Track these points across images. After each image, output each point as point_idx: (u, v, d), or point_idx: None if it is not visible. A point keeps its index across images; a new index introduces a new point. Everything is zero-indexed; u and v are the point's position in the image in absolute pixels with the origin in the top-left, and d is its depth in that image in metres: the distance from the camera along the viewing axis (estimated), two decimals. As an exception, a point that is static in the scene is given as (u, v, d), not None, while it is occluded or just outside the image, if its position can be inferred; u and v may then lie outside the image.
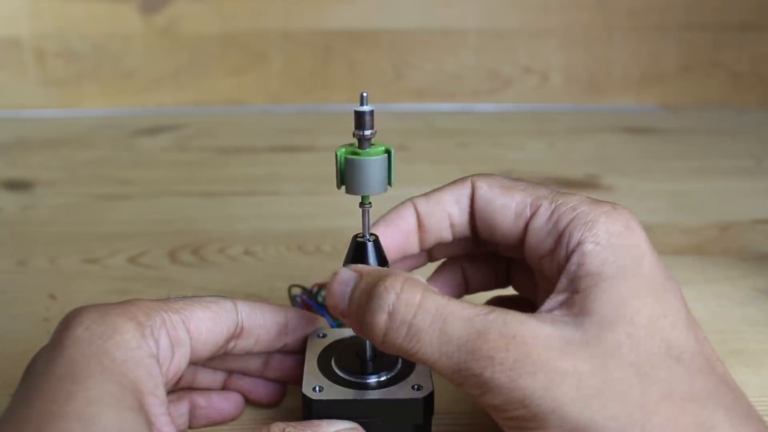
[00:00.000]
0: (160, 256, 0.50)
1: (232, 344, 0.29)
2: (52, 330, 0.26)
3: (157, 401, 0.23)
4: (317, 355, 0.30)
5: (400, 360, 0.29)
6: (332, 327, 0.34)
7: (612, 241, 0.25)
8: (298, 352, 0.31)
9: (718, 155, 0.76)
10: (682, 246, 0.52)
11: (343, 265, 0.28)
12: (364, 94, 0.26)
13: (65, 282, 0.46)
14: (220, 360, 0.30)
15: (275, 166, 0.71)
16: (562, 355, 0.22)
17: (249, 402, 0.32)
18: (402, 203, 0.30)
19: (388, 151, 0.27)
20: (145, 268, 0.48)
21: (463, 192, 0.29)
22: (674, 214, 0.58)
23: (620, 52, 0.95)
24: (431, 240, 0.30)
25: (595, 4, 0.93)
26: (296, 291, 0.38)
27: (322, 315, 0.35)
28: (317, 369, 0.29)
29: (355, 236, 0.28)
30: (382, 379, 0.29)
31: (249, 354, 0.30)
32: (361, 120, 0.26)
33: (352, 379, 0.29)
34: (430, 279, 0.33)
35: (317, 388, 0.28)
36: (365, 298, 0.24)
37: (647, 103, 0.97)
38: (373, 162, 0.26)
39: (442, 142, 0.80)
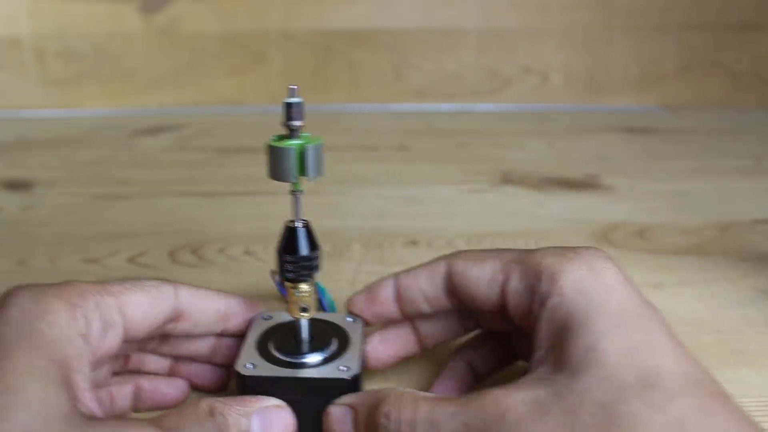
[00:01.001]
0: (160, 256, 0.50)
1: (171, 326, 0.30)
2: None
3: (83, 378, 0.25)
4: (257, 336, 0.32)
5: (333, 342, 0.31)
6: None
7: (576, 289, 0.26)
8: (244, 336, 0.32)
9: (718, 155, 0.76)
10: (682, 246, 0.52)
11: (277, 252, 0.30)
12: (293, 88, 0.28)
13: (65, 282, 0.46)
14: (168, 346, 0.32)
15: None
16: (536, 418, 0.23)
17: (196, 388, 0.33)
18: (386, 276, 0.32)
19: (306, 144, 0.28)
20: (145, 268, 0.48)
21: (438, 270, 0.31)
22: (674, 214, 0.58)
23: (620, 52, 0.95)
24: (409, 310, 0.32)
25: (595, 4, 0.93)
26: (276, 277, 0.40)
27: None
28: (254, 348, 0.31)
29: (287, 223, 0.30)
30: (315, 359, 0.30)
31: (190, 337, 0.32)
32: (289, 111, 0.27)
33: (285, 358, 0.30)
34: (436, 381, 0.34)
35: (249, 365, 0.29)
36: (371, 430, 0.26)
37: (647, 103, 0.97)
38: (280, 150, 0.28)
39: (442, 142, 0.80)
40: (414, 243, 0.52)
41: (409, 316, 0.32)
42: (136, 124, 0.86)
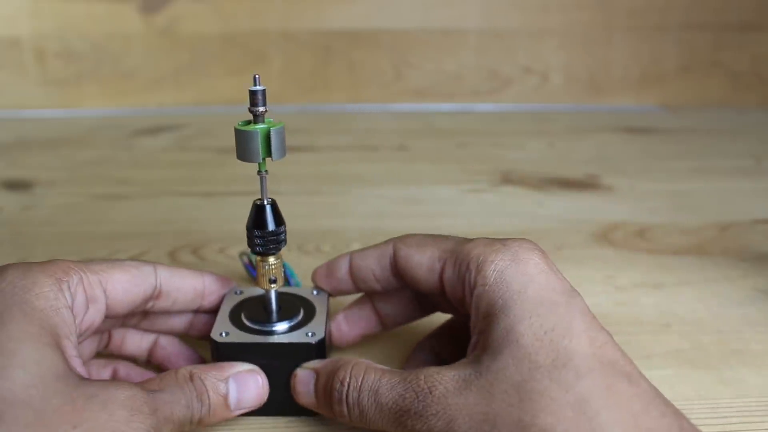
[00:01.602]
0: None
1: (150, 304, 0.32)
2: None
3: (70, 345, 0.26)
4: (230, 308, 0.34)
5: (300, 312, 0.33)
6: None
7: (498, 278, 0.28)
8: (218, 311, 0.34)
9: (718, 155, 0.76)
10: (682, 246, 0.52)
11: (246, 227, 0.32)
12: (256, 76, 0.30)
13: (65, 282, 0.46)
14: (148, 322, 0.34)
15: (275, 166, 0.71)
16: (457, 393, 0.25)
17: None
18: (343, 254, 0.35)
19: (270, 128, 0.30)
20: (145, 268, 0.48)
21: (385, 252, 0.33)
22: (674, 214, 0.58)
23: (620, 52, 0.95)
24: (362, 286, 0.34)
25: (595, 4, 0.93)
26: (245, 258, 0.44)
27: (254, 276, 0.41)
28: (228, 319, 0.33)
29: (255, 201, 0.32)
30: (283, 327, 0.32)
31: (169, 313, 0.34)
32: (254, 98, 0.29)
33: (255, 327, 0.32)
34: (340, 314, 0.36)
35: (223, 333, 0.32)
36: (327, 392, 0.29)
37: (647, 103, 0.97)
38: (246, 133, 0.30)
39: (442, 142, 0.80)
40: (414, 243, 0.52)
41: (363, 291, 0.35)
42: (136, 124, 0.86)
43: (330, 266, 0.35)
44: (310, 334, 0.32)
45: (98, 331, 0.33)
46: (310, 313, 0.34)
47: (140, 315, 0.34)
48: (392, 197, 0.62)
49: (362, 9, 0.92)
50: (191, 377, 0.28)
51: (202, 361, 0.35)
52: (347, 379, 0.28)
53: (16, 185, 0.65)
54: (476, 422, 0.24)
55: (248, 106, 0.30)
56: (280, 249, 0.32)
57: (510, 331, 0.26)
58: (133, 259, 0.49)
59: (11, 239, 0.54)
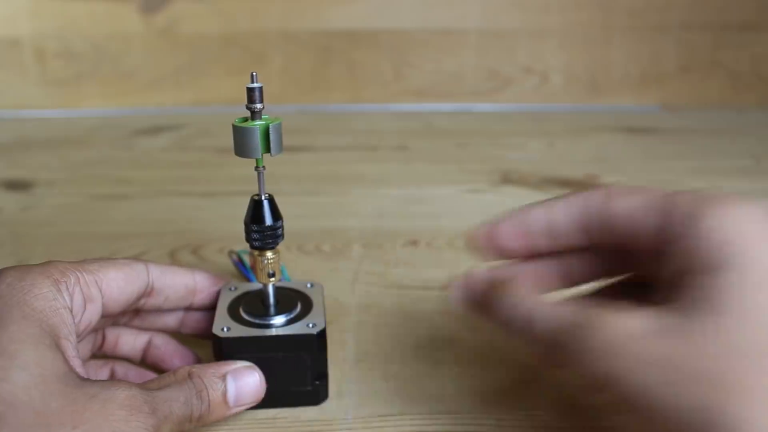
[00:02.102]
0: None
1: (143, 301, 0.33)
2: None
3: (70, 345, 0.27)
4: (227, 304, 0.34)
5: (299, 304, 0.34)
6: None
7: (710, 236, 0.24)
8: (211, 308, 0.35)
9: (718, 155, 0.76)
10: (682, 246, 0.52)
11: (244, 222, 0.32)
12: (254, 74, 0.30)
13: (65, 282, 0.46)
14: (139, 319, 0.35)
15: (275, 166, 0.71)
16: (651, 341, 0.23)
17: (165, 371, 0.35)
18: (524, 207, 0.31)
19: (269, 124, 0.30)
20: (145, 268, 0.48)
21: (591, 201, 0.29)
22: (674, 214, 0.58)
23: (620, 52, 0.95)
24: (551, 244, 0.30)
25: (595, 4, 0.93)
26: (234, 256, 0.45)
27: (246, 275, 0.42)
28: (227, 314, 0.33)
29: (253, 196, 0.33)
30: (283, 319, 0.33)
31: (160, 311, 0.35)
32: (251, 95, 0.30)
33: (256, 320, 0.33)
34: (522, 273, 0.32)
35: (225, 329, 0.32)
36: (498, 295, 0.28)
37: (647, 103, 0.97)
38: (246, 130, 0.30)
39: (441, 142, 0.80)
40: (414, 243, 0.52)
41: (559, 248, 0.30)
42: (136, 124, 0.86)
43: (520, 221, 0.30)
44: (311, 325, 0.32)
45: (93, 330, 0.33)
46: (307, 306, 0.34)
47: (132, 313, 0.34)
48: (392, 197, 0.62)
49: (362, 9, 0.92)
50: (190, 375, 0.28)
51: (198, 359, 0.35)
52: (519, 293, 0.28)
53: (16, 185, 0.65)
54: (674, 381, 0.22)
55: (246, 103, 0.30)
56: (277, 243, 0.33)
57: (732, 294, 0.22)
58: (132, 257, 0.49)
59: (11, 239, 0.54)
